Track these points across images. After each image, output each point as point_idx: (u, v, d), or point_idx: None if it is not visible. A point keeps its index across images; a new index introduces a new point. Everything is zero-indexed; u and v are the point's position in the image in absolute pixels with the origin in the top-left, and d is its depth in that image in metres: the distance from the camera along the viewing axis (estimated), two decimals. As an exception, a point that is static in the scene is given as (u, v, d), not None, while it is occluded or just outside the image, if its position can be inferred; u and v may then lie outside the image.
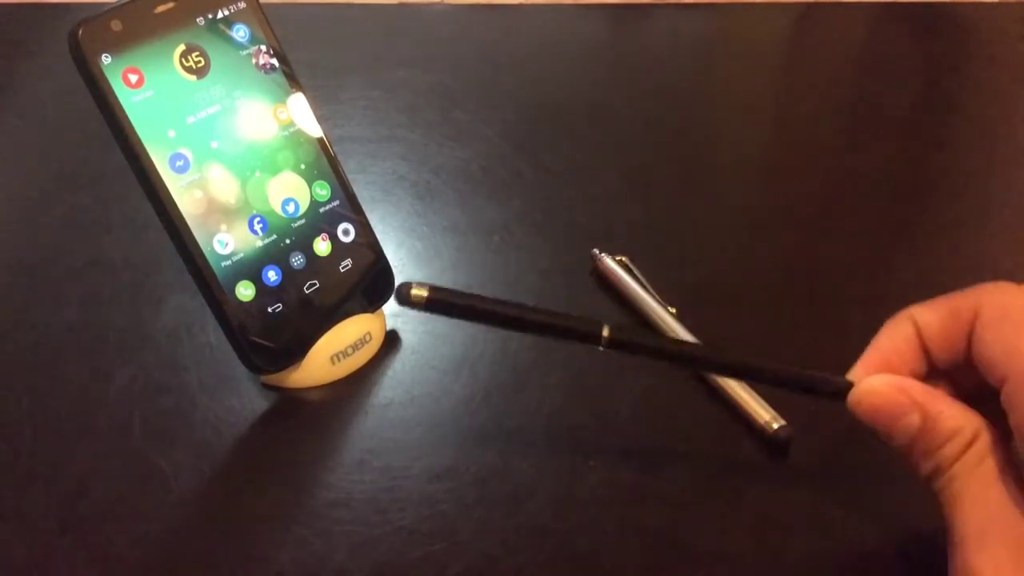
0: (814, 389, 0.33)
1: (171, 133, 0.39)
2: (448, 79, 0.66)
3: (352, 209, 0.44)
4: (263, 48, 0.42)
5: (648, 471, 0.39)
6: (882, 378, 0.31)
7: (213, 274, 0.40)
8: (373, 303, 0.45)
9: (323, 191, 0.43)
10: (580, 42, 0.73)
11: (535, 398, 0.42)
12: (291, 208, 0.42)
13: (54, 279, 0.49)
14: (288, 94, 0.42)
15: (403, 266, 0.49)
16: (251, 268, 0.41)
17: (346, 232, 0.44)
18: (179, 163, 0.39)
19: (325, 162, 0.43)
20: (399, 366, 0.44)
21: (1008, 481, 0.28)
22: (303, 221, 0.43)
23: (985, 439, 0.29)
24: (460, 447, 0.40)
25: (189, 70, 0.40)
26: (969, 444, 0.29)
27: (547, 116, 0.63)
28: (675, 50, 0.72)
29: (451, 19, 0.75)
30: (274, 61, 0.42)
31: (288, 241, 0.42)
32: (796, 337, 0.46)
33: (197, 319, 0.46)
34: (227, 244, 0.40)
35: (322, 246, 0.43)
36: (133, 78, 0.38)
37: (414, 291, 0.31)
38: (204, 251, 0.40)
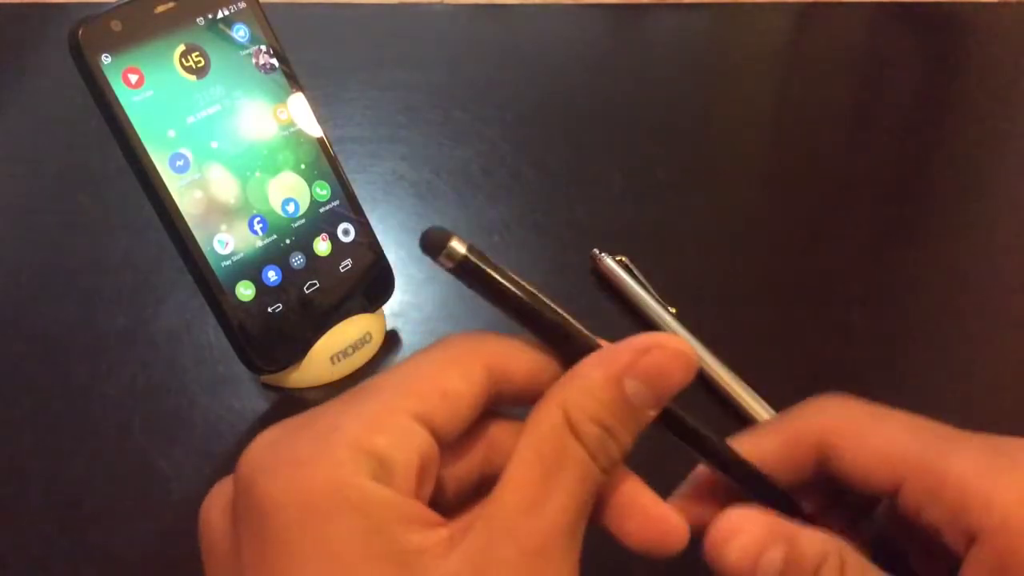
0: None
1: (171, 133, 0.39)
2: (448, 79, 0.66)
3: (352, 209, 0.44)
4: (263, 48, 0.42)
5: (648, 471, 0.39)
6: (734, 515, 0.26)
7: (213, 274, 0.40)
8: (373, 303, 0.45)
9: (323, 191, 0.43)
10: (580, 42, 0.73)
11: (535, 398, 0.42)
12: (291, 208, 0.42)
13: (54, 279, 0.49)
14: (288, 94, 0.42)
15: (403, 266, 0.49)
16: (251, 268, 0.41)
17: (346, 232, 0.44)
18: (179, 163, 0.39)
19: (325, 162, 0.43)
20: (399, 366, 0.44)
21: None
22: (303, 221, 0.43)
23: (853, 554, 0.25)
24: (460, 447, 0.40)
25: (189, 70, 0.40)
26: (843, 564, 0.25)
27: (547, 116, 0.63)
28: (675, 50, 0.72)
29: (451, 19, 0.75)
30: (274, 61, 0.42)
31: (288, 241, 0.42)
32: (796, 337, 0.46)
33: (197, 319, 0.46)
34: (227, 244, 0.40)
35: (322, 246, 0.43)
36: (133, 78, 0.38)
37: (453, 244, 0.25)
38: (204, 251, 0.40)
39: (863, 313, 0.47)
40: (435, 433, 0.24)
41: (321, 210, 0.43)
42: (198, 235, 0.39)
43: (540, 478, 0.23)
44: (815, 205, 0.55)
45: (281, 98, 0.42)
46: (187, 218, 0.39)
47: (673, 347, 0.24)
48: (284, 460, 0.22)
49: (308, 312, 0.42)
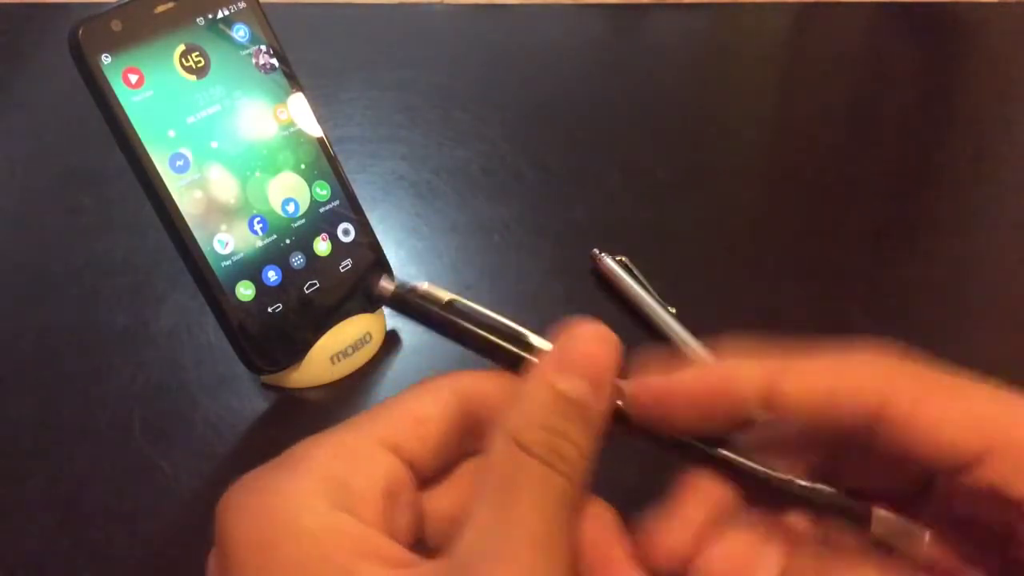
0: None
1: (171, 133, 0.39)
2: (448, 79, 0.66)
3: (352, 209, 0.44)
4: (263, 48, 0.42)
5: (648, 471, 0.39)
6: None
7: (213, 274, 0.40)
8: (373, 303, 0.45)
9: (323, 191, 0.43)
10: (580, 42, 0.73)
11: (535, 398, 0.42)
12: (291, 208, 0.42)
13: (54, 279, 0.49)
14: (288, 94, 0.42)
15: (403, 266, 0.49)
16: (251, 268, 0.41)
17: (346, 232, 0.44)
18: (179, 163, 0.39)
19: (325, 162, 0.43)
20: (399, 366, 0.44)
21: None
22: (303, 221, 0.43)
23: None
24: (460, 447, 0.40)
25: (189, 70, 0.40)
26: None
27: (547, 116, 0.63)
28: (675, 50, 0.72)
29: (451, 19, 0.75)
30: (274, 61, 0.42)
31: (288, 241, 0.42)
32: (796, 337, 0.46)
33: (197, 319, 0.46)
34: (227, 244, 0.40)
35: (322, 246, 0.43)
36: (133, 78, 0.38)
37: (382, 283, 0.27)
38: (204, 251, 0.40)
39: (863, 312, 0.47)
40: (406, 458, 0.23)
41: (321, 210, 0.43)
42: (198, 235, 0.39)
43: (499, 504, 0.22)
44: (815, 205, 0.55)
45: (281, 98, 0.42)
46: (187, 218, 0.39)
47: (588, 332, 0.24)
48: (250, 495, 0.22)
49: (308, 312, 0.42)
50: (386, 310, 0.46)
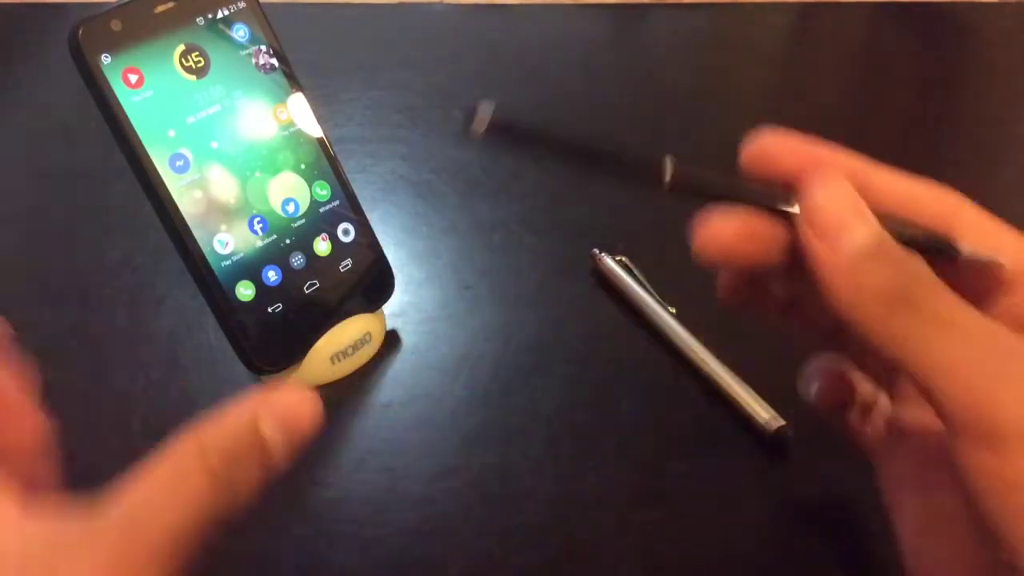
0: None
1: (171, 133, 0.39)
2: (448, 79, 0.66)
3: (352, 209, 0.44)
4: (263, 48, 0.42)
5: (648, 471, 0.39)
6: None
7: (213, 274, 0.40)
8: (373, 303, 0.45)
9: (323, 191, 0.43)
10: (580, 42, 0.73)
11: (535, 398, 0.42)
12: (291, 208, 0.42)
13: (54, 279, 0.49)
14: (288, 94, 0.42)
15: (403, 266, 0.49)
16: (251, 268, 0.41)
17: (346, 232, 0.44)
18: (179, 163, 0.39)
19: (325, 162, 0.43)
20: (399, 366, 0.44)
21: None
22: (303, 221, 0.43)
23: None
24: (460, 447, 0.40)
25: (189, 70, 0.40)
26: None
27: (547, 116, 0.63)
28: (675, 50, 0.72)
29: (451, 19, 0.75)
30: (274, 61, 0.42)
31: (288, 241, 0.42)
32: (796, 337, 0.46)
33: (197, 319, 0.46)
34: (227, 244, 0.40)
35: (322, 246, 0.43)
36: (133, 78, 0.38)
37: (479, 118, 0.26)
38: (204, 251, 0.40)
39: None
40: None
41: (321, 210, 0.43)
42: (198, 235, 0.39)
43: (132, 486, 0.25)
44: (815, 205, 0.55)
45: (281, 98, 0.42)
46: (187, 218, 0.39)
47: (298, 397, 0.27)
48: None
49: (308, 312, 0.42)
50: (385, 310, 0.46)
